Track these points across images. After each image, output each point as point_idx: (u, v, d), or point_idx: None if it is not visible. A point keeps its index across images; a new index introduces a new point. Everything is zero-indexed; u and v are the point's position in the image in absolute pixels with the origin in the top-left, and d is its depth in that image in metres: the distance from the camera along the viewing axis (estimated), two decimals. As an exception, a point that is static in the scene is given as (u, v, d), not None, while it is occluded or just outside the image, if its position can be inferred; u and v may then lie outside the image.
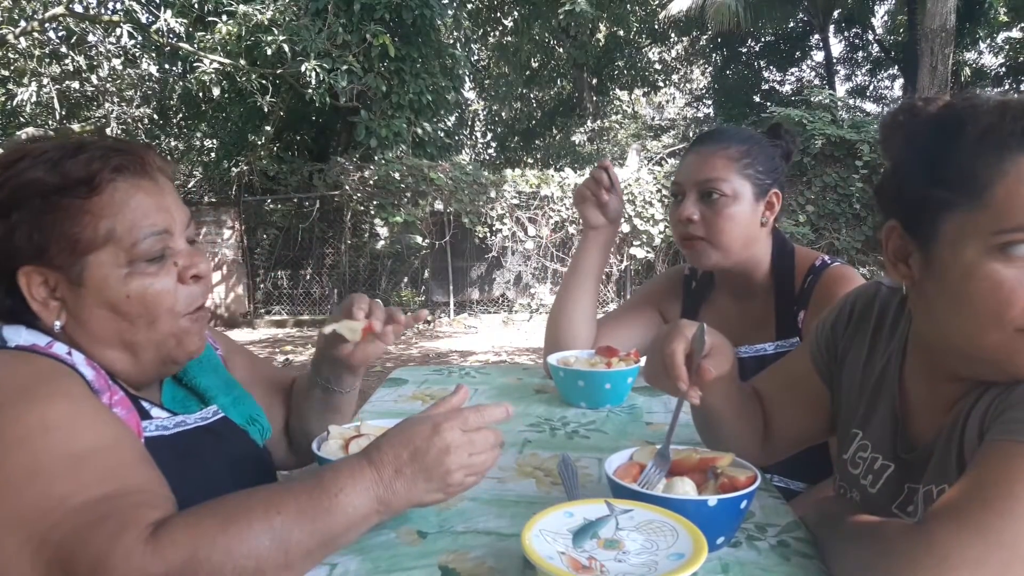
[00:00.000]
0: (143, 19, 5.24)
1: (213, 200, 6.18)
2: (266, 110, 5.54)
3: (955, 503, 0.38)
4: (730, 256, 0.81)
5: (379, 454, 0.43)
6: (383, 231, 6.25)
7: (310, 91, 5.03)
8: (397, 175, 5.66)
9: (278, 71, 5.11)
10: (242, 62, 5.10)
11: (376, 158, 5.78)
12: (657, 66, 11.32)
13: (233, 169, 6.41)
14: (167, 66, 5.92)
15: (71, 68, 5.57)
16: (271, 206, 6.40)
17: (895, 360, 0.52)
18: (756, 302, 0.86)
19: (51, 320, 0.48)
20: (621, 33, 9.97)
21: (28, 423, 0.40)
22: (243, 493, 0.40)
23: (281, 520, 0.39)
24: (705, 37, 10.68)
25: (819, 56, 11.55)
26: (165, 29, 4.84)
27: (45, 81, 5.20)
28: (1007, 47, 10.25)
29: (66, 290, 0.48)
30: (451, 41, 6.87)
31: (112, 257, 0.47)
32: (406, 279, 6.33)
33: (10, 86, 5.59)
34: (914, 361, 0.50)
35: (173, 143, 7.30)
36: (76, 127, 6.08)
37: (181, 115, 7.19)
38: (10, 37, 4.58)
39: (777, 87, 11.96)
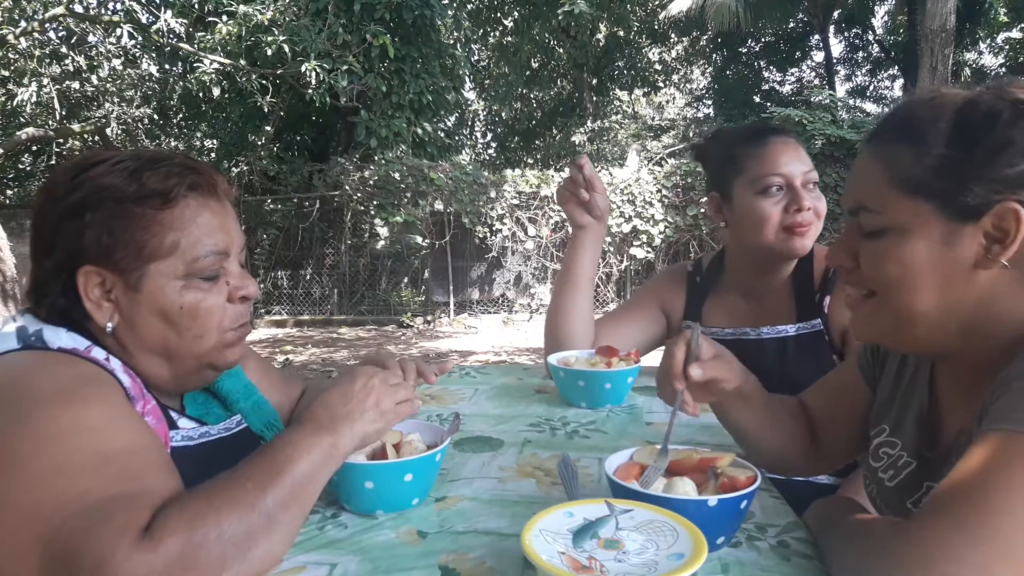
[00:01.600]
0: (143, 19, 5.25)
1: (213, 200, 6.17)
2: (266, 110, 5.54)
3: (940, 499, 0.38)
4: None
5: (311, 411, 0.48)
6: (383, 231, 6.25)
7: (310, 91, 5.04)
8: (397, 175, 5.66)
9: (278, 71, 5.11)
10: (242, 62, 5.10)
11: (376, 158, 5.78)
12: (657, 66, 11.33)
13: (233, 169, 6.41)
14: (167, 66, 5.93)
15: (71, 68, 5.57)
16: (271, 206, 6.40)
17: (925, 361, 0.52)
18: (769, 296, 0.88)
19: (103, 320, 0.49)
20: (621, 33, 9.98)
21: (61, 423, 0.41)
22: (210, 480, 0.42)
23: (252, 485, 0.41)
24: (705, 37, 10.69)
25: (819, 56, 11.58)
26: (165, 29, 4.84)
27: (45, 81, 5.20)
28: (1007, 47, 10.27)
29: (121, 293, 0.49)
30: (451, 41, 6.88)
31: (172, 268, 0.49)
32: (406, 279, 6.33)
33: (10, 86, 5.59)
34: (944, 364, 0.50)
35: (173, 143, 7.30)
36: (76, 127, 6.09)
37: (181, 115, 7.19)
38: (10, 37, 4.58)
39: (777, 87, 11.97)
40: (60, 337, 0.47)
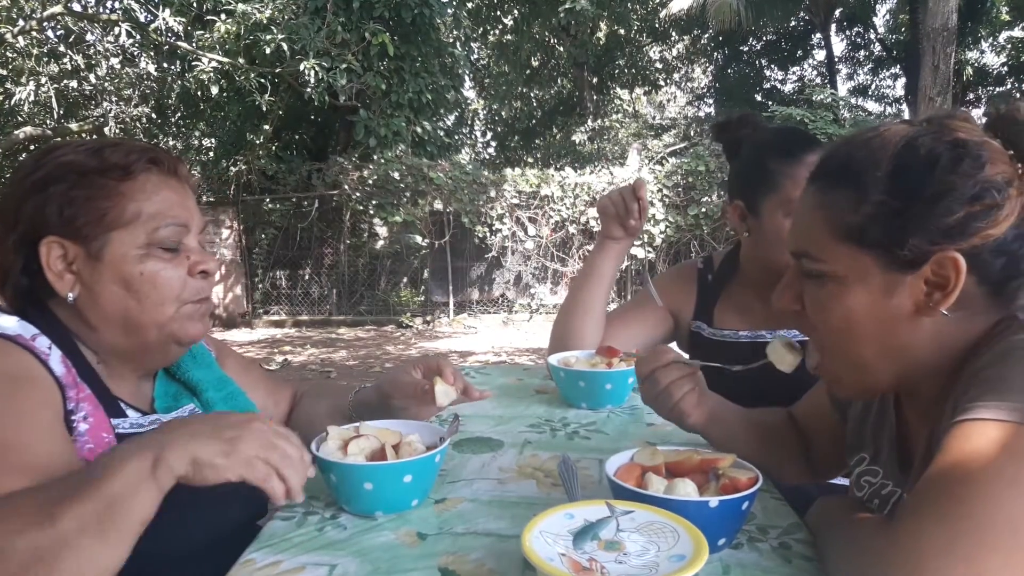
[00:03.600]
0: (141, 18, 5.24)
1: (211, 199, 6.18)
2: (265, 109, 5.54)
3: (921, 495, 0.38)
4: None
5: (160, 424, 0.46)
6: (382, 231, 6.25)
7: (309, 90, 5.04)
8: (396, 174, 5.66)
9: (277, 70, 5.10)
10: (241, 61, 5.09)
11: (375, 157, 5.77)
12: (658, 65, 11.31)
13: (231, 168, 6.41)
14: (165, 65, 5.91)
15: (69, 67, 5.57)
16: (270, 205, 6.40)
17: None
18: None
19: (65, 291, 0.50)
20: (622, 32, 9.96)
21: None
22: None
23: (51, 501, 0.37)
24: (706, 36, 10.67)
25: (821, 55, 11.57)
26: (163, 28, 4.84)
27: (43, 80, 5.20)
28: (1009, 46, 10.24)
29: (83, 264, 0.50)
30: (451, 40, 6.87)
31: (133, 237, 0.51)
32: (405, 279, 6.33)
33: (8, 85, 5.59)
34: (907, 391, 0.50)
35: (171, 142, 7.30)
36: (74, 126, 6.08)
37: (179, 114, 7.19)
38: (8, 36, 4.57)
39: (779, 86, 11.96)
40: (10, 324, 0.48)
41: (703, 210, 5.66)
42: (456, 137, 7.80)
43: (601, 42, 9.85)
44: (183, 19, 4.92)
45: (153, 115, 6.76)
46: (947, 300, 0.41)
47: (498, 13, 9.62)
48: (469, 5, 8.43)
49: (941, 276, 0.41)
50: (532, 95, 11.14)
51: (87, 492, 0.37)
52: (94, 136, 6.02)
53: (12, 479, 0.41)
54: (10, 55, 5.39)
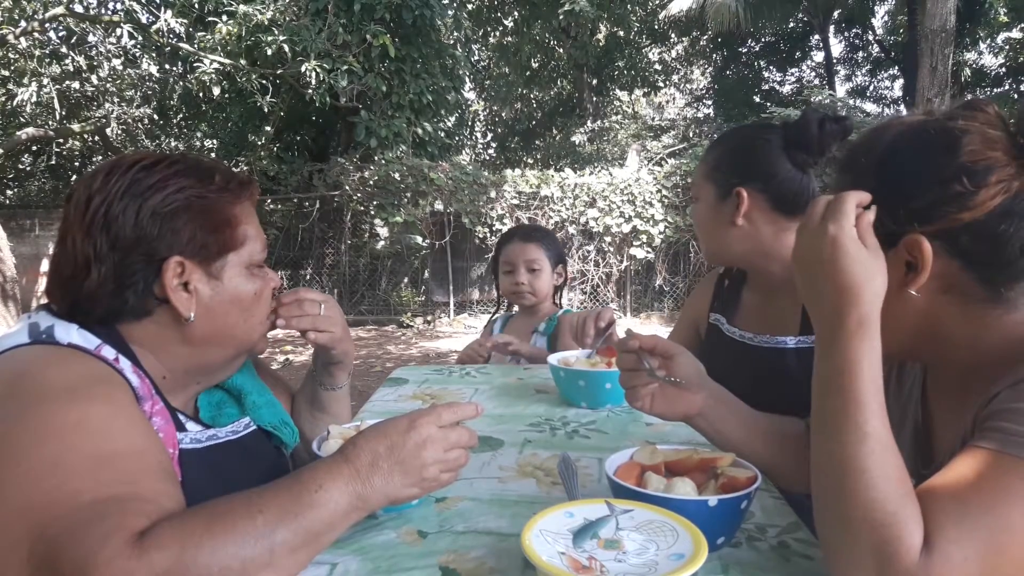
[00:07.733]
0: (143, 19, 5.25)
1: (213, 200, 6.18)
2: (266, 110, 5.54)
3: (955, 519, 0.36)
4: (711, 253, 0.85)
5: (355, 450, 0.44)
6: (383, 231, 6.26)
7: (310, 91, 5.04)
8: (397, 175, 5.66)
9: (278, 71, 5.11)
10: (242, 62, 5.10)
11: (376, 158, 5.78)
12: (657, 66, 11.32)
13: (233, 169, 6.41)
14: (167, 66, 5.92)
15: (71, 68, 5.57)
16: (271, 206, 6.41)
17: (919, 377, 0.52)
18: (779, 297, 0.84)
19: (188, 311, 0.50)
20: (621, 33, 9.97)
21: (65, 420, 0.40)
22: (226, 496, 0.40)
23: (264, 519, 0.39)
24: (705, 37, 10.69)
25: (819, 56, 11.58)
26: (165, 29, 4.84)
27: (45, 81, 5.20)
28: (1007, 47, 10.25)
29: (203, 283, 0.51)
30: (451, 41, 6.88)
31: (240, 258, 0.53)
32: (406, 279, 6.34)
33: (10, 86, 5.60)
34: (933, 378, 0.50)
35: (173, 143, 7.31)
36: (76, 127, 6.09)
37: (181, 115, 7.20)
38: (10, 37, 4.58)
39: (777, 87, 11.98)
40: (71, 334, 0.47)
41: (703, 211, 5.66)
42: (456, 138, 7.80)
43: (601, 44, 9.86)
44: (184, 20, 4.93)
45: (155, 116, 6.76)
46: (917, 280, 0.42)
47: (498, 15, 9.64)
48: (469, 7, 8.45)
49: (913, 257, 0.43)
50: (532, 96, 11.15)
51: (298, 519, 0.40)
52: (97, 138, 6.02)
53: (160, 482, 0.41)
54: (12, 56, 5.40)
